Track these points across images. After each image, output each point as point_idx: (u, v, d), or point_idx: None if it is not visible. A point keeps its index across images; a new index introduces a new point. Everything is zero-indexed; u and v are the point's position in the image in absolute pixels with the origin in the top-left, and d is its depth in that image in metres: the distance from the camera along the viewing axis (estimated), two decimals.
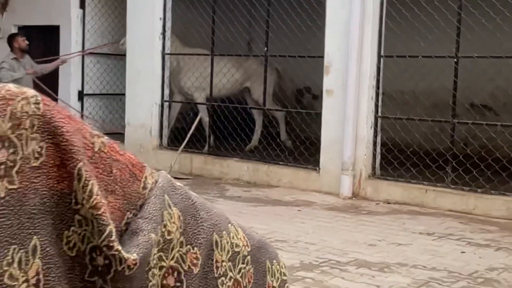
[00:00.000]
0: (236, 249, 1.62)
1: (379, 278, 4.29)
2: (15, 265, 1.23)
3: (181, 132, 8.79)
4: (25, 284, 1.24)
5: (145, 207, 1.43)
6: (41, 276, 1.27)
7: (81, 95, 10.15)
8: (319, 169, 7.16)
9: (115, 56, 10.33)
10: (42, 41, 10.70)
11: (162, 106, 8.76)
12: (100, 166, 1.38)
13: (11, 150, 1.24)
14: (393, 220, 6.02)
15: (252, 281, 1.66)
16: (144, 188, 1.47)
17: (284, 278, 1.77)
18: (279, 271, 1.75)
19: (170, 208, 1.47)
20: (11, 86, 1.29)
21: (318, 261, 4.62)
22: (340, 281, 4.19)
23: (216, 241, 1.57)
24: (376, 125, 6.94)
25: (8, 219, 1.22)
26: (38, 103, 1.29)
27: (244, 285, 1.63)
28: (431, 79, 8.63)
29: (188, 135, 8.22)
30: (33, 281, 1.25)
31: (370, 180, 6.86)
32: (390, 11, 7.05)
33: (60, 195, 1.31)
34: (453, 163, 6.52)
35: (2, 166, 1.22)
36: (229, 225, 1.64)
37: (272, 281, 1.72)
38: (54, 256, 1.29)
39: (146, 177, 1.49)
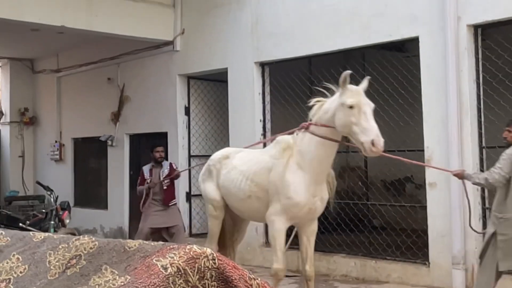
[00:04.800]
0: None
1: None
2: None
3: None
4: None
5: None
6: None
7: (188, 196, 10.73)
8: (429, 263, 7.11)
9: None
10: (151, 147, 11.54)
11: None
12: None
13: None
14: None
15: None
16: None
17: None
18: None
19: None
20: (195, 247, 1.76)
21: None
22: None
23: None
24: (484, 217, 6.87)
25: None
26: (215, 259, 1.81)
27: None
28: None
29: (294, 233, 8.43)
30: None
31: None
32: (488, 102, 7.14)
33: None
34: None
35: None
36: None
37: None
38: None
39: None
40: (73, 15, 9.44)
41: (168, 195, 8.72)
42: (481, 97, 7.05)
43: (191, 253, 1.80)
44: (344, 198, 9.50)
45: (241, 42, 9.43)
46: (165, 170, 8.81)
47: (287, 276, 8.02)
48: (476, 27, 6.97)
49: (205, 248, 1.85)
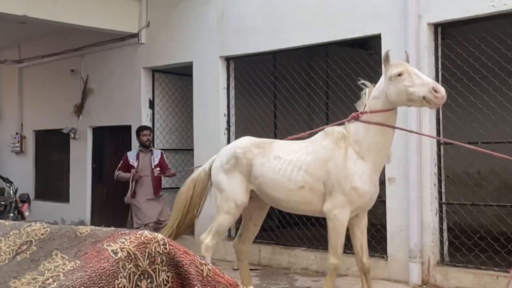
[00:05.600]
0: None
1: None
2: None
3: None
4: None
5: None
6: None
7: None
8: (387, 257, 7.25)
9: (182, 151, 10.91)
10: (114, 140, 11.46)
11: None
12: (208, 287, 1.91)
13: (149, 280, 1.78)
14: None
15: None
16: None
17: None
18: None
19: None
20: (147, 233, 1.79)
21: None
22: None
23: None
24: (441, 211, 7.04)
25: None
26: (166, 244, 1.84)
27: None
28: (493, 163, 8.69)
29: None
30: None
31: (439, 267, 6.88)
32: (447, 99, 7.28)
33: None
34: None
35: None
36: None
37: None
38: None
39: None
40: (36, 4, 9.28)
41: (158, 184, 8.56)
42: None
43: (142, 238, 1.82)
44: None
45: (207, 36, 9.42)
46: (156, 158, 8.58)
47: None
48: (436, 26, 7.12)
49: (156, 234, 1.88)
